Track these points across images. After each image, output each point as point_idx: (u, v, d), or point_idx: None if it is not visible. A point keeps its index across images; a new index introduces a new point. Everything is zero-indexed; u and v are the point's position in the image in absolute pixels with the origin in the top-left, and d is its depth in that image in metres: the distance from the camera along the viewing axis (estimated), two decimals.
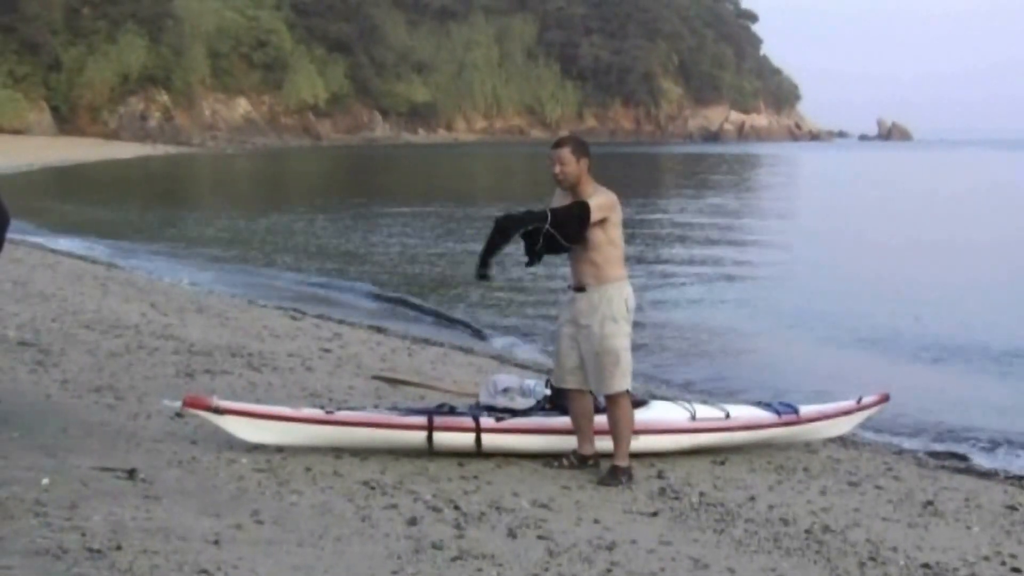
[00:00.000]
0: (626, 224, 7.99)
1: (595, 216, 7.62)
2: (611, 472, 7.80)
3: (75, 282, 16.90)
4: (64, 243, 25.75)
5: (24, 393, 9.10)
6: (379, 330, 15.13)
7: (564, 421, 8.13)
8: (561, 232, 7.62)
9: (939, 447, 10.38)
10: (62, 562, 5.32)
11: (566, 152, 7.73)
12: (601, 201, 7.67)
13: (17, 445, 7.46)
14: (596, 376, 7.82)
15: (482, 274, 7.76)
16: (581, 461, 7.99)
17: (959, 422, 11.43)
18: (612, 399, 7.84)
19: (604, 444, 7.97)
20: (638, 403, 8.69)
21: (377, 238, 29.64)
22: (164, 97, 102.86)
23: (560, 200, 7.87)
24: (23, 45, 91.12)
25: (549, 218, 7.59)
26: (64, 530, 5.75)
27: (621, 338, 7.76)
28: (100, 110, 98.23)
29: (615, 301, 7.75)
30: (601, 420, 8.01)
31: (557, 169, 7.74)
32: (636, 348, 14.62)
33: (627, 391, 7.84)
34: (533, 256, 7.74)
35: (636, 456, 8.19)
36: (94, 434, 8.01)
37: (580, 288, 7.83)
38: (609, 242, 7.72)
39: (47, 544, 5.51)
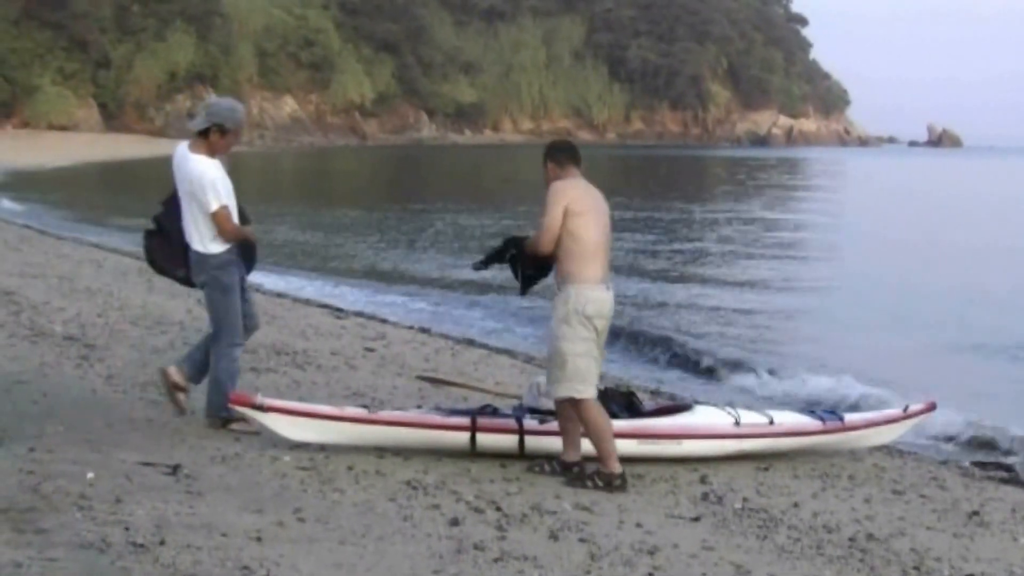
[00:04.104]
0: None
1: (551, 213, 7.50)
2: (587, 473, 7.68)
3: (120, 278, 17.00)
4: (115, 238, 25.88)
5: (70, 387, 9.18)
6: (423, 330, 15.14)
7: None
8: (527, 256, 7.75)
9: (986, 457, 10.26)
10: (106, 555, 5.36)
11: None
12: (548, 197, 7.57)
13: (63, 439, 7.52)
14: (547, 377, 7.78)
15: (478, 267, 8.12)
16: (564, 468, 7.78)
17: (1007, 432, 11.29)
18: (557, 405, 7.70)
19: (647, 449, 7.95)
20: (683, 408, 8.70)
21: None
22: (211, 95, 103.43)
23: None
24: (72, 42, 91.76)
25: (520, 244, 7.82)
26: (108, 524, 5.79)
27: (572, 342, 7.53)
28: (147, 107, 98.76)
29: (571, 302, 7.54)
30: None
31: None
32: (678, 352, 14.74)
33: (579, 400, 7.56)
34: (525, 284, 7.91)
35: (680, 461, 8.17)
36: (138, 429, 8.07)
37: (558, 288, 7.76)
38: (567, 234, 7.51)
39: (92, 537, 5.55)
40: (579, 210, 7.55)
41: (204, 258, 8.24)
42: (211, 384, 8.33)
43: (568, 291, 7.57)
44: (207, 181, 8.07)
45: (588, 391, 7.59)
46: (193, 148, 8.20)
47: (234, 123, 8.22)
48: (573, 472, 7.71)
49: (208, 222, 8.16)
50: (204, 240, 8.21)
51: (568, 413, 7.70)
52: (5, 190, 41.27)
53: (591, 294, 7.56)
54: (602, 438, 7.65)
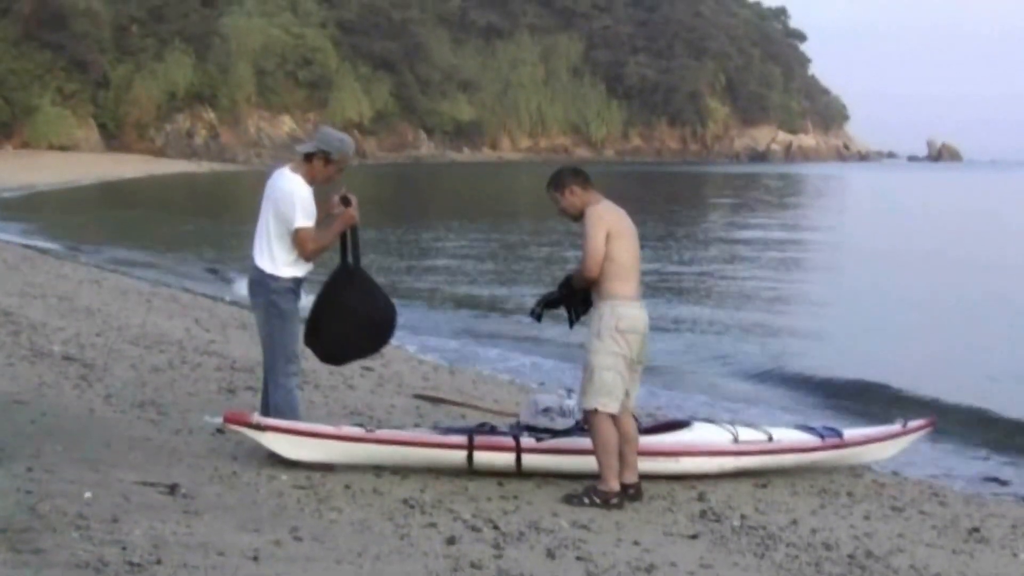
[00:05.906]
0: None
1: (596, 238, 7.63)
2: (584, 490, 7.72)
3: (120, 298, 17.02)
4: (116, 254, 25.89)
5: (68, 407, 9.16)
6: (421, 350, 15.13)
7: None
8: (577, 290, 7.89)
9: (986, 473, 10.25)
10: (103, 575, 5.34)
11: (551, 193, 7.96)
12: (589, 223, 7.71)
13: (61, 458, 7.51)
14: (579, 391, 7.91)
15: (537, 315, 8.12)
16: (622, 489, 7.78)
17: (1007, 448, 11.29)
18: (586, 416, 7.80)
19: (644, 466, 7.95)
20: (681, 424, 8.69)
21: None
22: (210, 115, 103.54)
23: None
24: (72, 63, 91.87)
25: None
26: (105, 544, 5.78)
27: (601, 355, 7.65)
28: (147, 127, 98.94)
29: (604, 317, 7.68)
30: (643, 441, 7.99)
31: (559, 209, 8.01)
32: (671, 370, 14.73)
33: (602, 413, 7.64)
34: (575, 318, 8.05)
35: (678, 478, 8.17)
36: (137, 449, 8.06)
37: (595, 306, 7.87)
38: (606, 257, 7.64)
39: (88, 557, 5.54)
40: (617, 233, 7.71)
41: (267, 278, 8.11)
42: (274, 416, 8.08)
43: (603, 307, 7.70)
44: (297, 198, 8.01)
45: (611, 405, 7.66)
46: (293, 169, 8.20)
47: (340, 154, 8.20)
48: (628, 494, 7.73)
49: (283, 244, 8.07)
50: (276, 261, 8.10)
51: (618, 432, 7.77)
52: (6, 209, 41.32)
53: (624, 310, 7.68)
54: (606, 452, 7.68)
